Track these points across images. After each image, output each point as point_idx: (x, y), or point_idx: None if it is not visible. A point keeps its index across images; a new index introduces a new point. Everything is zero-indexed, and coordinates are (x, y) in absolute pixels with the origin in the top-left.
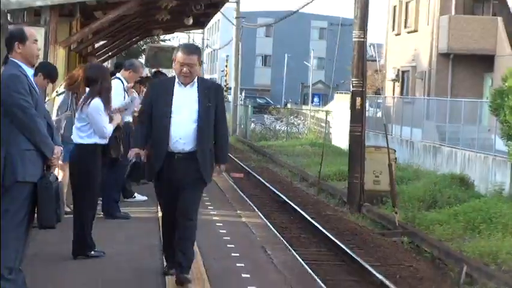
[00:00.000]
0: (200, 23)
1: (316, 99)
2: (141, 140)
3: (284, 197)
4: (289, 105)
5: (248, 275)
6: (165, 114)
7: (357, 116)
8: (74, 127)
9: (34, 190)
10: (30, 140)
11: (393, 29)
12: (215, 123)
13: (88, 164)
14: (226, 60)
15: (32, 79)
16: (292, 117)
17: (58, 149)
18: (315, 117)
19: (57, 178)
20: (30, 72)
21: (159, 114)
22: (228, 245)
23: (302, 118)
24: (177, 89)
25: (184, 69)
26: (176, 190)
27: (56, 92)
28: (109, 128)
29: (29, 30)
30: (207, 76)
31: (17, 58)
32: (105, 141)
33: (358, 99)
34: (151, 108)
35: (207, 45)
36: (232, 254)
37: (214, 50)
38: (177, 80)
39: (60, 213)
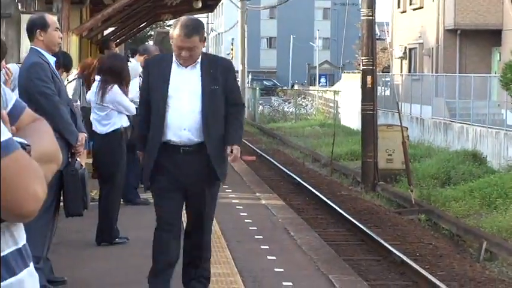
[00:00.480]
0: (209, 6)
1: (323, 80)
2: (142, 140)
3: (298, 179)
4: (296, 87)
5: (274, 257)
6: (162, 100)
7: (368, 95)
8: (93, 119)
9: (60, 178)
10: (54, 127)
11: (398, 7)
12: (227, 107)
13: (114, 152)
14: (232, 43)
15: (54, 66)
16: (300, 98)
17: (82, 136)
18: (322, 97)
19: (82, 165)
20: (52, 59)
21: (154, 101)
22: (251, 228)
23: (310, 99)
24: (175, 70)
25: (183, 53)
26: (182, 194)
27: (67, 80)
28: (132, 107)
29: (50, 17)
30: None
31: (39, 45)
32: (128, 123)
33: (369, 78)
34: (147, 93)
35: (211, 29)
36: (256, 237)
37: (219, 34)
38: (175, 59)
39: (87, 201)
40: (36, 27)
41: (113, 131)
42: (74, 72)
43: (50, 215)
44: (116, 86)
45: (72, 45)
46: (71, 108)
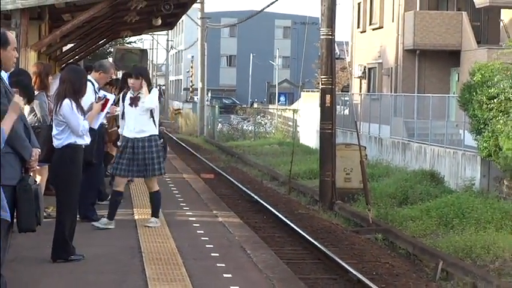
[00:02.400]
0: (168, 23)
1: (282, 98)
2: None
3: (256, 197)
4: (255, 105)
5: (230, 275)
6: None
7: (327, 114)
8: (53, 134)
9: (13, 193)
10: (8, 142)
11: (358, 26)
12: None
13: (69, 167)
14: (192, 61)
15: (7, 81)
16: (259, 116)
17: (36, 151)
18: (282, 116)
19: (35, 181)
20: (4, 75)
21: None
22: (207, 245)
23: (269, 117)
24: None
25: None
26: None
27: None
28: (85, 125)
29: (12, 36)
30: (172, 78)
31: None
32: (83, 141)
33: (328, 97)
34: None
35: (171, 47)
36: (212, 254)
37: (179, 51)
38: None
39: (40, 216)
40: None
41: (66, 145)
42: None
43: (4, 231)
44: (66, 100)
45: (30, 61)
46: (24, 123)
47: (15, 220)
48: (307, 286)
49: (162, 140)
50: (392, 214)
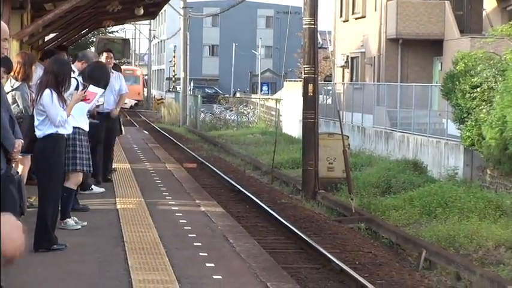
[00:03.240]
0: (150, 13)
1: (265, 88)
2: None
3: (239, 186)
4: (238, 95)
5: (212, 264)
6: None
7: (310, 103)
8: (35, 124)
9: None
10: None
11: (341, 16)
12: None
13: (51, 157)
14: (174, 50)
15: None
16: (241, 106)
17: (19, 142)
18: (264, 105)
19: (17, 172)
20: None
21: None
22: (189, 235)
23: (252, 107)
24: None
25: None
26: None
27: (11, 86)
28: (63, 116)
29: (4, 26)
30: (154, 67)
31: None
32: (65, 131)
33: (311, 86)
34: None
35: (154, 36)
36: (194, 244)
37: (161, 41)
38: None
39: (24, 207)
40: None
41: (48, 135)
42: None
43: None
44: (47, 90)
45: (12, 51)
46: (10, 115)
47: None
48: (290, 275)
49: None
50: (375, 203)
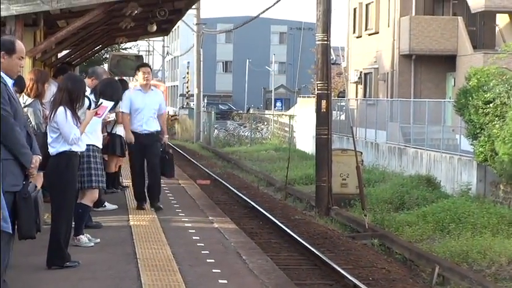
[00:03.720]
0: (163, 29)
1: (278, 104)
2: None
3: (252, 203)
4: (251, 111)
5: (225, 281)
6: None
7: (323, 119)
8: (48, 141)
9: (14, 200)
10: (9, 149)
11: (354, 31)
12: None
13: (64, 174)
14: (188, 67)
15: (12, 89)
16: (255, 122)
17: (36, 158)
18: (278, 121)
19: (36, 187)
20: (9, 81)
21: None
22: (203, 251)
23: (265, 123)
24: None
25: None
26: None
27: (23, 103)
28: (77, 134)
29: (20, 45)
30: (168, 84)
31: None
32: (79, 149)
33: (324, 102)
34: None
35: (167, 53)
36: (207, 260)
37: (174, 57)
38: None
39: (40, 223)
40: (2, 48)
41: (61, 152)
42: (27, 95)
43: (4, 241)
44: (61, 108)
45: (25, 68)
46: (27, 130)
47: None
48: None
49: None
50: (388, 219)
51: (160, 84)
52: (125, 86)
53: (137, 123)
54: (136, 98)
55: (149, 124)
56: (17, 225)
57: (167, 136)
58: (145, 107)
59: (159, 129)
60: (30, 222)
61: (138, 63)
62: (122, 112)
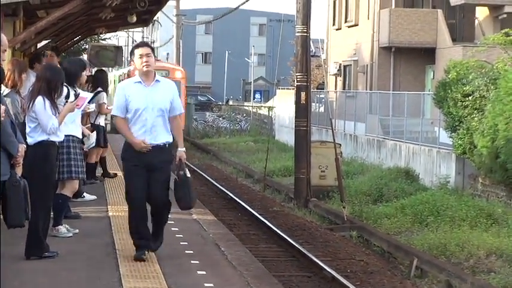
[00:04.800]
0: (143, 20)
1: (257, 96)
2: None
3: (231, 194)
4: (231, 102)
5: (204, 272)
6: None
7: (302, 111)
8: (26, 131)
9: (3, 189)
10: None
11: (334, 24)
12: None
13: (43, 164)
14: (167, 58)
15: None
16: (234, 114)
17: (22, 147)
18: (257, 113)
19: (21, 176)
20: None
21: None
22: (181, 243)
23: (244, 115)
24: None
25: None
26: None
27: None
28: (55, 124)
29: (3, 38)
30: None
31: None
32: (57, 138)
33: (303, 94)
34: None
35: None
36: (186, 251)
37: (154, 48)
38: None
39: (29, 212)
40: None
41: (39, 142)
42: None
43: None
44: (39, 97)
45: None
46: (11, 120)
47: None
48: (282, 283)
49: None
50: (367, 211)
51: (177, 68)
52: (104, 77)
53: (137, 132)
54: (135, 94)
55: (155, 133)
56: (5, 214)
57: (183, 149)
58: (149, 106)
59: (170, 140)
60: (19, 210)
61: (118, 53)
62: (114, 116)
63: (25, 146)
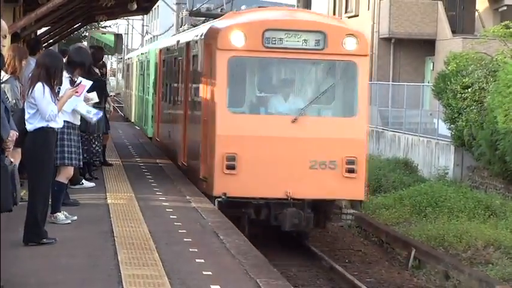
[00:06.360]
0: (144, 8)
1: None
2: None
3: None
4: None
5: (202, 260)
6: None
7: None
8: (25, 117)
9: None
10: None
11: (334, 14)
12: None
13: (41, 150)
14: None
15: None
16: None
17: (13, 133)
18: None
19: (11, 161)
20: None
21: None
22: (180, 231)
23: None
24: None
25: None
26: None
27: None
28: (54, 111)
29: (3, 24)
30: None
31: None
32: (56, 125)
33: None
34: None
35: (146, 32)
36: (185, 239)
37: (154, 36)
38: None
39: (17, 196)
40: None
41: (38, 129)
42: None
43: None
44: (39, 84)
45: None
46: (5, 106)
47: None
48: (280, 272)
49: None
50: (365, 202)
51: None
52: (99, 54)
53: None
54: None
55: None
56: None
57: None
58: None
59: None
60: (6, 194)
61: (118, 41)
62: None
63: (17, 132)
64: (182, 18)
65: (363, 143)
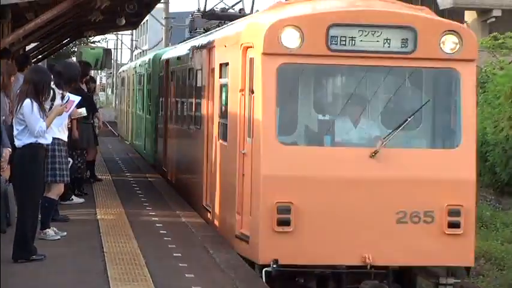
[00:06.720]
0: (132, 23)
1: None
2: None
3: None
4: None
5: (192, 275)
6: None
7: None
8: (14, 133)
9: None
10: None
11: None
12: None
13: (30, 167)
14: None
15: None
16: None
17: (6, 151)
18: None
19: (6, 180)
20: None
21: None
22: (170, 245)
23: None
24: None
25: None
26: None
27: None
28: (42, 127)
29: None
30: None
31: None
32: (45, 141)
33: None
34: None
35: (135, 47)
36: (174, 254)
37: (143, 51)
38: None
39: (10, 217)
40: None
41: (27, 145)
42: None
43: None
44: (27, 100)
45: None
46: None
47: None
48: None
49: None
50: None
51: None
52: (86, 70)
53: None
54: None
55: None
56: None
57: None
58: None
59: None
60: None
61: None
62: None
63: (10, 150)
64: (171, 32)
65: (471, 186)
